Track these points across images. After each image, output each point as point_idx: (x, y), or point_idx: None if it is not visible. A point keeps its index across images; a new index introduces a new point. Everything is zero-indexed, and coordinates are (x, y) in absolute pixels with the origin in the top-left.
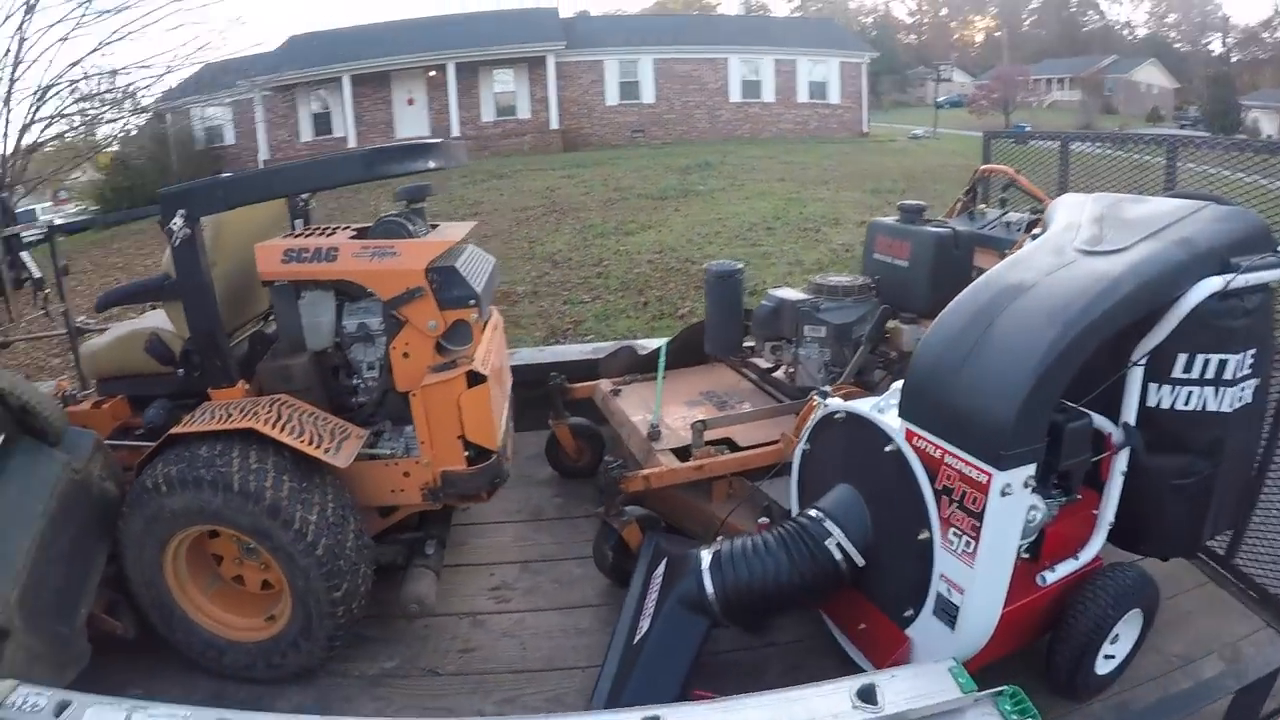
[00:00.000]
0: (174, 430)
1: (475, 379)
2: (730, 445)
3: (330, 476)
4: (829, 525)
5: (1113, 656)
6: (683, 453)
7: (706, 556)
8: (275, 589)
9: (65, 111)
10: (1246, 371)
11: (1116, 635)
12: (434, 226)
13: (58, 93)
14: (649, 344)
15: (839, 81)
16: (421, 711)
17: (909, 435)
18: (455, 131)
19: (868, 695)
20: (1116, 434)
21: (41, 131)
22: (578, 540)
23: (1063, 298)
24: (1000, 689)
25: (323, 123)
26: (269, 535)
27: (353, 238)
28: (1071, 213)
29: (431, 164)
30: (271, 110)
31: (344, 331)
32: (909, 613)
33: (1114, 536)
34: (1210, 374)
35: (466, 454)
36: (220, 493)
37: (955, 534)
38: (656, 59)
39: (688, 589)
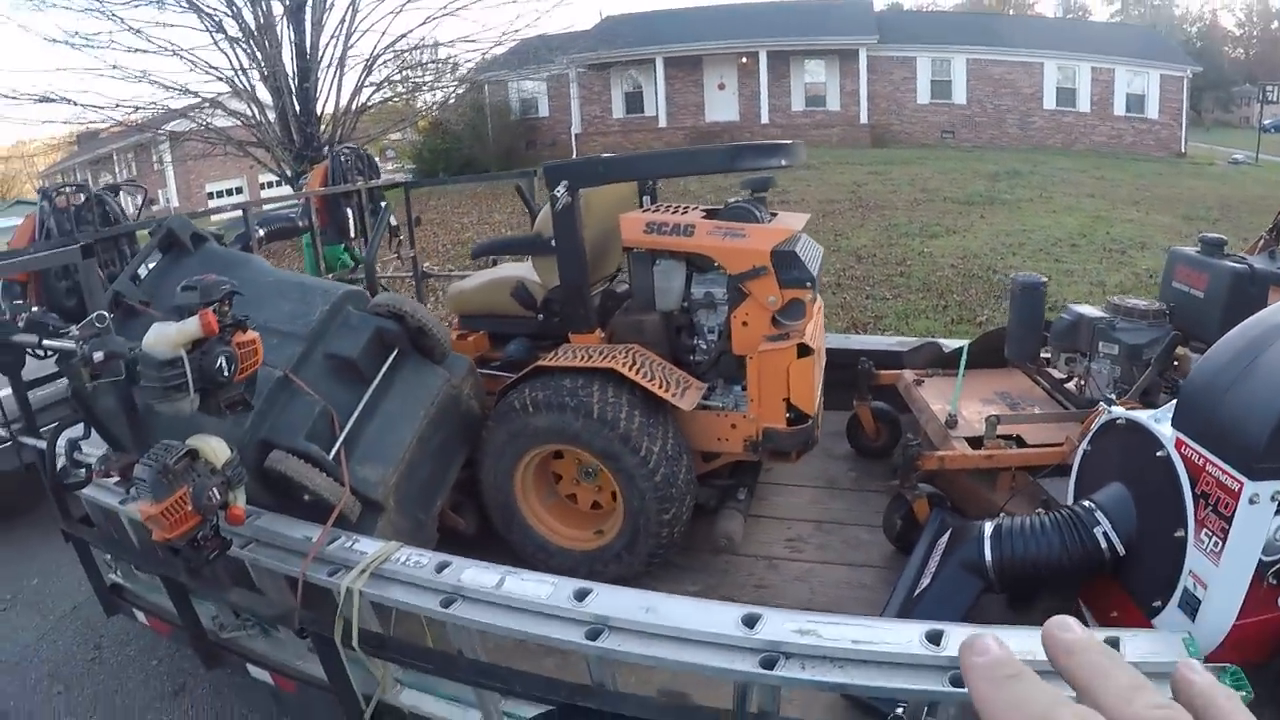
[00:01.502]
0: (541, 362)
1: (804, 350)
2: (1018, 442)
3: (671, 417)
4: (1099, 515)
5: None
6: (974, 442)
7: (989, 527)
8: (604, 509)
9: (392, 78)
10: None
11: None
12: (774, 215)
13: (385, 61)
14: (951, 343)
15: (1158, 95)
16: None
17: (1178, 444)
18: (764, 119)
19: (1112, 643)
20: None
21: (370, 95)
22: (868, 510)
23: None
24: (1223, 665)
25: (634, 101)
26: (618, 458)
27: (705, 218)
28: None
29: (783, 161)
30: (585, 87)
31: (691, 298)
32: (1157, 603)
33: None
34: None
35: (787, 415)
36: (581, 418)
37: (1207, 534)
38: (969, 58)
39: (969, 552)
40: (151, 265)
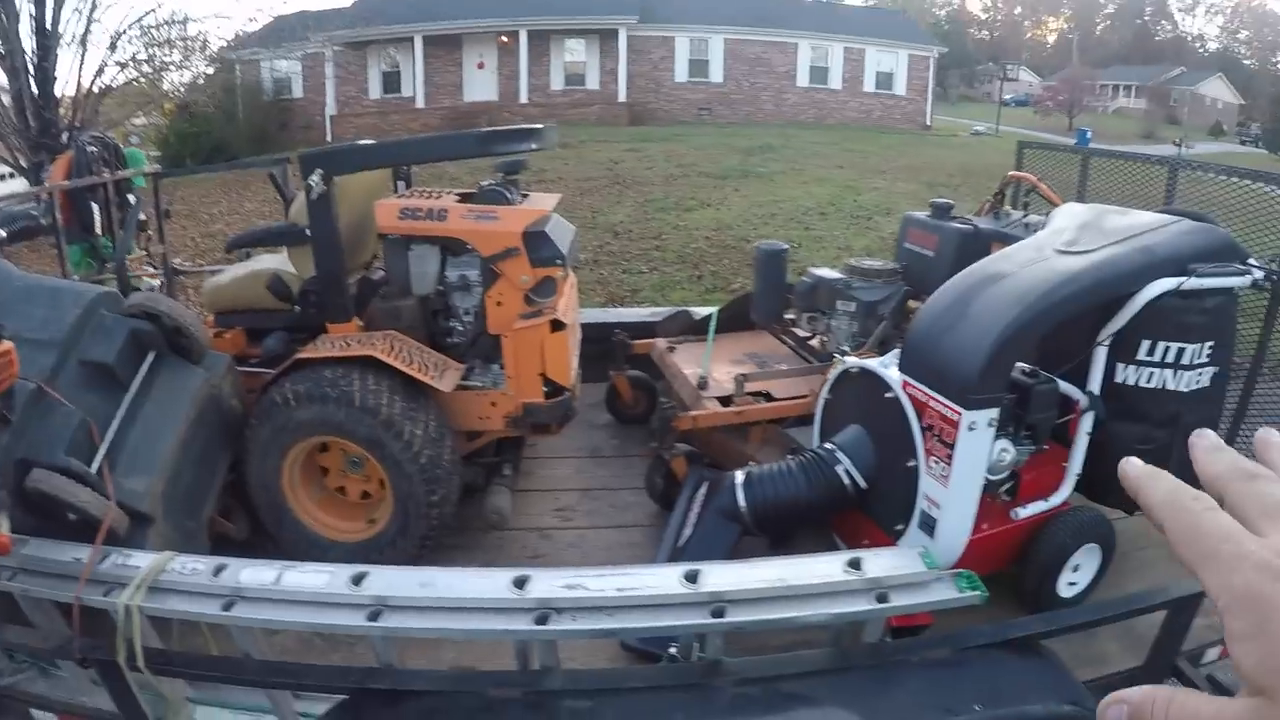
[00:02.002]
0: (301, 354)
1: (557, 326)
2: (766, 397)
3: (433, 400)
4: (840, 455)
5: (1075, 583)
6: (725, 401)
7: (740, 476)
8: (374, 498)
9: (137, 56)
10: (1203, 360)
11: (1077, 565)
12: (525, 196)
13: (131, 38)
14: (703, 311)
15: (905, 73)
16: None
17: (905, 385)
18: (524, 99)
19: (855, 564)
20: (1083, 400)
21: (114, 76)
22: (631, 474)
23: (1029, 286)
24: (959, 570)
25: (392, 81)
26: (382, 445)
27: (459, 201)
28: (1063, 219)
29: (534, 145)
30: (341, 66)
31: (446, 281)
32: (900, 527)
33: (1087, 491)
34: (1169, 359)
35: (545, 389)
36: (344, 407)
37: (935, 461)
38: (727, 39)
39: (724, 501)
40: None
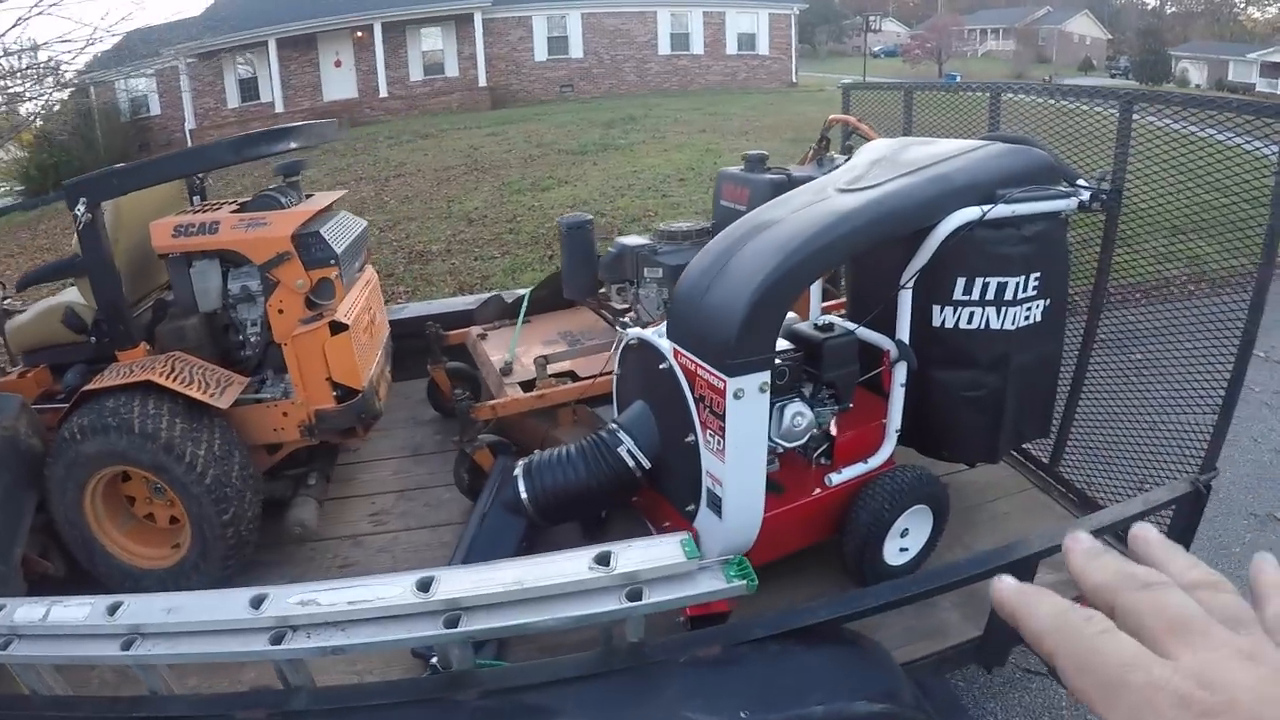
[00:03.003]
0: (85, 388)
1: (337, 327)
2: (572, 377)
3: (217, 418)
4: (621, 435)
5: (906, 549)
6: (528, 386)
7: (521, 464)
8: (180, 523)
9: None
10: (1030, 293)
11: (905, 529)
12: (309, 196)
13: None
14: (519, 292)
15: (768, 33)
16: None
17: (676, 354)
18: (383, 92)
19: (604, 559)
20: (892, 350)
21: None
22: (449, 470)
23: (794, 231)
24: (729, 558)
25: (249, 88)
26: (166, 469)
27: (233, 211)
28: (862, 156)
29: (293, 144)
30: (197, 78)
31: (229, 294)
32: (691, 507)
33: (919, 445)
34: (990, 295)
35: (335, 394)
36: (124, 435)
37: (711, 434)
38: (585, 13)
39: (508, 493)
40: None
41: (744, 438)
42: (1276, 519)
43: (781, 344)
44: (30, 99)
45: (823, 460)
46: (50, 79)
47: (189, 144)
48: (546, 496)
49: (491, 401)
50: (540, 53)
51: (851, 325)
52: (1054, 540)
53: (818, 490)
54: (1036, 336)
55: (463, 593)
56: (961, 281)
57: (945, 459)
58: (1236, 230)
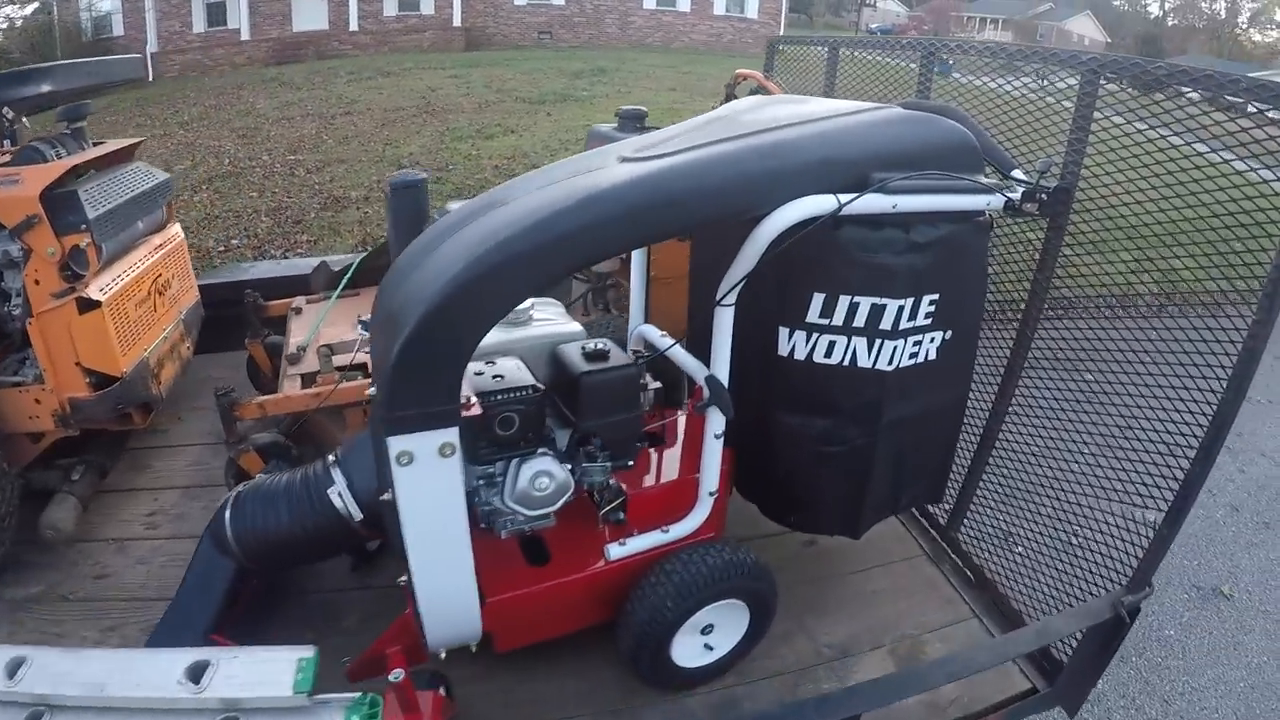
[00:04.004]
0: None
1: (87, 305)
2: (363, 372)
3: None
4: (336, 473)
5: (712, 648)
6: (309, 380)
7: (234, 492)
8: None
9: None
10: (921, 321)
11: (709, 625)
12: (97, 144)
13: None
14: (351, 259)
15: None
16: (39, 638)
17: None
18: (354, 26)
19: (196, 674)
20: (704, 388)
21: None
22: None
23: (512, 219)
24: (361, 695)
25: (217, 13)
26: None
27: None
28: (715, 113)
29: (46, 88)
30: (162, 0)
31: None
32: (402, 579)
33: (760, 504)
34: (859, 321)
35: (88, 380)
36: None
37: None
38: None
39: (215, 526)
40: None
41: (424, 516)
42: (1224, 595)
43: (520, 375)
44: None
45: (618, 517)
46: None
47: (150, 67)
48: (251, 538)
49: (259, 399)
50: None
51: (664, 345)
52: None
53: (595, 564)
54: (927, 380)
55: (49, 688)
56: (818, 300)
57: (791, 526)
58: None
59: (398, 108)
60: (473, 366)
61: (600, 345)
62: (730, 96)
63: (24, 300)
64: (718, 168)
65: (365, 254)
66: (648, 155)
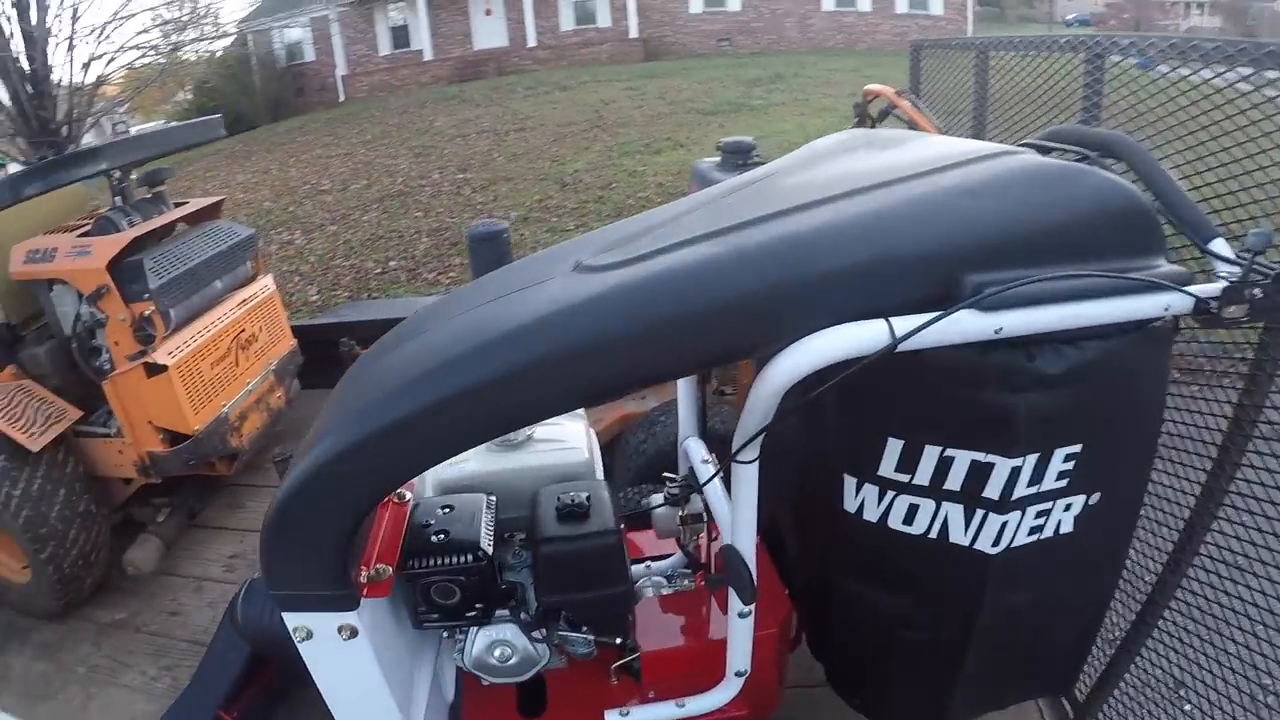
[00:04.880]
0: None
1: (154, 369)
2: None
3: (44, 454)
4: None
5: None
6: None
7: (250, 579)
8: None
9: (144, 42)
10: (1052, 486)
11: None
12: (180, 204)
13: (134, 16)
14: None
15: None
16: (109, 664)
17: None
18: (532, 42)
19: None
20: (734, 549)
21: (108, 64)
22: None
23: (400, 369)
24: None
25: (400, 36)
26: None
27: (79, 235)
28: (753, 172)
29: (96, 168)
30: (349, 26)
31: (80, 321)
32: None
33: (828, 674)
34: (952, 483)
35: (161, 437)
36: None
37: None
38: None
39: (231, 609)
40: None
41: (340, 691)
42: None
43: (470, 531)
44: (192, 48)
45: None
46: (208, 26)
47: (341, 89)
48: (253, 628)
49: None
50: (696, 4)
51: (703, 475)
52: None
53: None
54: (1056, 561)
55: None
56: (895, 447)
57: (858, 708)
58: None
59: (569, 122)
60: (432, 502)
61: (581, 497)
62: (862, 120)
63: (109, 359)
64: (699, 284)
65: None
66: (607, 263)
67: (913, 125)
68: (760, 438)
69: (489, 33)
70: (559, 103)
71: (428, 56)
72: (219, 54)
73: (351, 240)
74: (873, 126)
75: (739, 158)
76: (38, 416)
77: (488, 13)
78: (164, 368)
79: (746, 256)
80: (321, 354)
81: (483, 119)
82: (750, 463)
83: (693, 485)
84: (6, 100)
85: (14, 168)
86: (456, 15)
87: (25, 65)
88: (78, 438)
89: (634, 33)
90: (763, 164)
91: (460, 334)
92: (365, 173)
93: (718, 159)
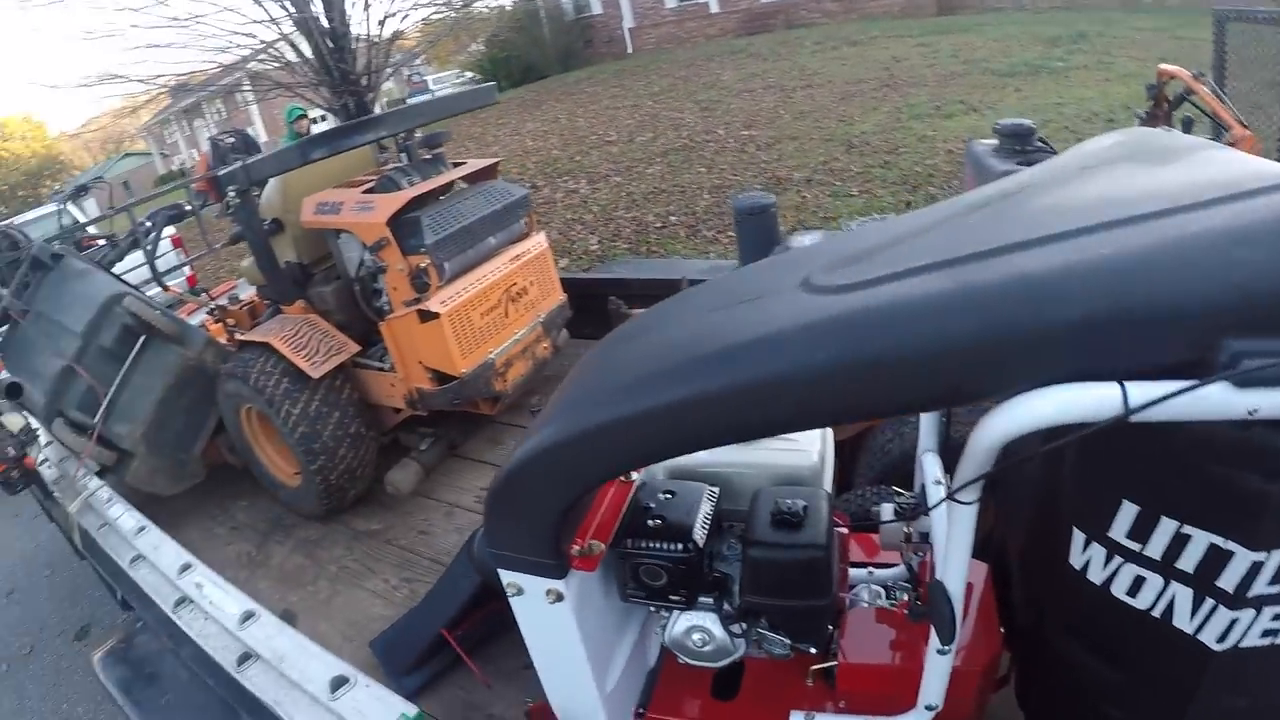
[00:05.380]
0: (240, 336)
1: (426, 316)
2: None
3: (323, 380)
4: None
5: None
6: None
7: None
8: None
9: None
10: None
11: None
12: (457, 165)
13: None
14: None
15: None
16: (357, 567)
17: None
18: None
19: (336, 685)
20: (941, 586)
21: (402, 20)
22: None
23: (630, 363)
24: None
25: None
26: (270, 418)
27: (364, 191)
28: (996, 186)
29: (376, 135)
30: None
31: (364, 266)
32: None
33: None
34: (1185, 563)
35: (430, 376)
36: (244, 384)
37: None
38: None
39: (470, 540)
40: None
41: (542, 642)
42: None
43: (686, 521)
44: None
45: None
46: None
47: (629, 41)
48: (487, 565)
49: None
50: None
51: (935, 496)
52: None
53: None
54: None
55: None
56: (1129, 512)
57: None
58: None
59: (858, 79)
60: (657, 484)
61: (798, 506)
62: (1157, 103)
63: (388, 302)
64: (919, 322)
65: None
66: (833, 284)
67: (1213, 118)
68: (981, 482)
69: None
70: (848, 59)
71: (714, 9)
72: (509, 8)
73: (634, 192)
74: (1168, 112)
75: (1016, 143)
76: (320, 348)
77: None
78: (436, 315)
79: (974, 296)
80: (591, 306)
81: (769, 74)
82: (969, 504)
83: (921, 505)
84: (309, 54)
85: (315, 113)
86: None
87: (325, 23)
88: (355, 369)
89: None
90: (1044, 152)
91: (685, 340)
92: (651, 125)
93: (994, 142)
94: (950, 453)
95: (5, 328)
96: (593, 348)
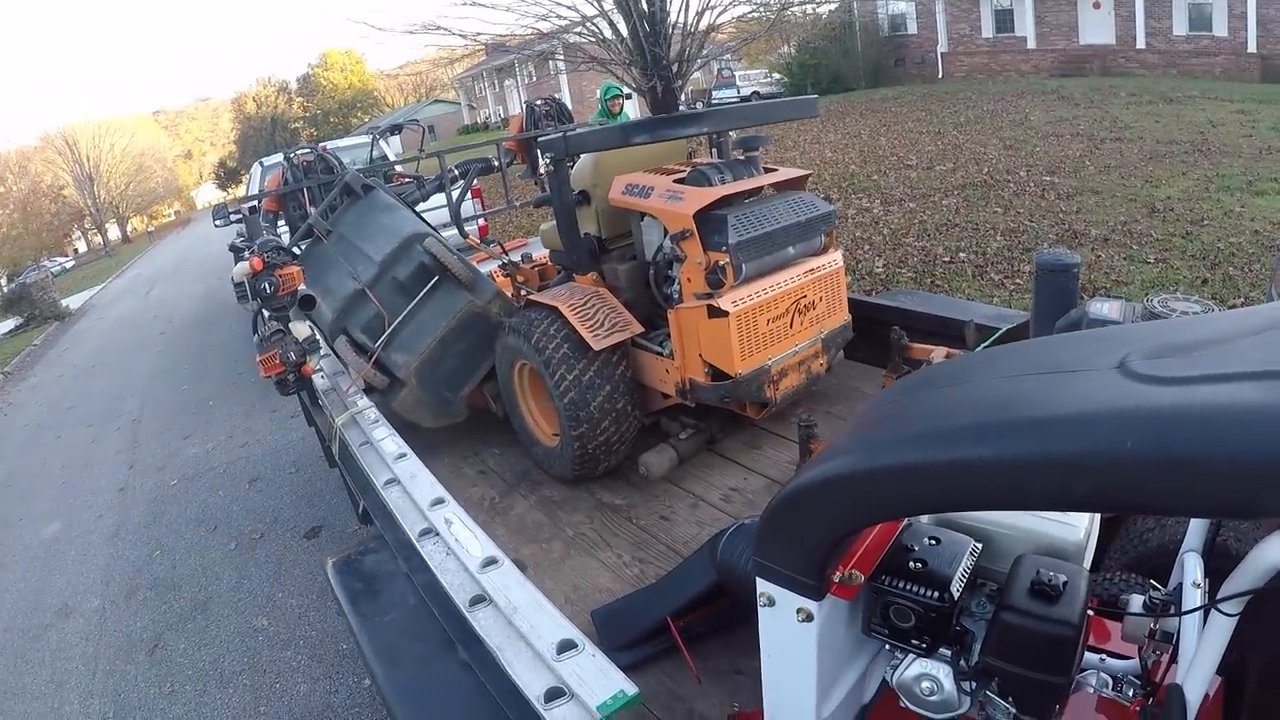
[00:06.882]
0: (529, 297)
1: (714, 312)
2: None
3: (601, 353)
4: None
5: None
6: None
7: (739, 522)
8: None
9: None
10: None
11: None
12: (769, 170)
13: None
14: (1001, 327)
15: None
16: (597, 538)
17: None
18: (1140, 44)
19: (564, 647)
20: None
21: (719, 14)
22: None
23: (934, 413)
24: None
25: (1004, 21)
26: (543, 379)
27: (675, 180)
28: None
29: (699, 130)
30: (954, 5)
31: (662, 251)
32: None
33: None
34: None
35: (706, 370)
36: (525, 341)
37: None
38: None
39: (713, 540)
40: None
41: (777, 655)
42: None
43: (945, 573)
44: (798, 5)
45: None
46: None
47: (940, 65)
48: (724, 567)
49: None
50: None
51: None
52: None
53: None
54: None
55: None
56: None
57: None
58: None
59: (1170, 140)
60: (923, 529)
61: (1059, 580)
62: None
63: (679, 291)
64: (1235, 432)
65: (1007, 328)
66: (1154, 374)
67: None
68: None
69: (1096, 27)
70: (1161, 116)
71: (1030, 45)
72: (825, 17)
73: (927, 221)
74: None
75: None
76: (606, 321)
77: (1096, 6)
78: (725, 313)
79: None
80: (871, 331)
81: (1079, 120)
82: (1231, 616)
83: (1175, 604)
84: (625, 34)
85: (628, 93)
86: (1064, 4)
87: (644, 6)
88: (634, 348)
89: (1251, 46)
90: None
91: (995, 400)
92: (953, 155)
93: None
94: (1214, 557)
95: (309, 241)
96: (894, 386)
